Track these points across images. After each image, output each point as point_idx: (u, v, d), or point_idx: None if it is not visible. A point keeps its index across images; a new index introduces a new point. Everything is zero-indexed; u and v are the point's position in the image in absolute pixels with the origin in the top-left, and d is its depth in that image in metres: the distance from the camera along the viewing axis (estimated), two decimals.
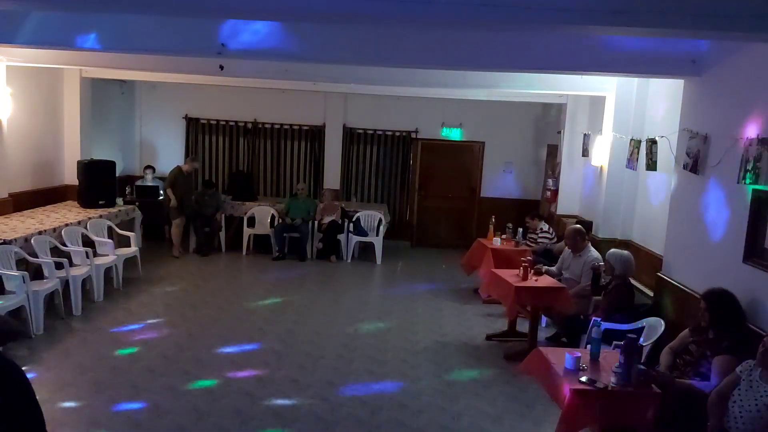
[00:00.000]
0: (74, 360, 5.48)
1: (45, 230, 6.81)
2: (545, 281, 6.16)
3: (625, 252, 5.85)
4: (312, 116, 11.25)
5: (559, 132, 9.71)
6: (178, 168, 9.70)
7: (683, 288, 5.21)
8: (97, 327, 6.34)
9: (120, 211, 8.64)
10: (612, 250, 5.93)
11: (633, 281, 6.48)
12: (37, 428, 2.01)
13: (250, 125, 11.33)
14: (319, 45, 5.59)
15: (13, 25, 5.47)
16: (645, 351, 4.55)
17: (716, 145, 4.88)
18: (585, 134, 8.75)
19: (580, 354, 4.00)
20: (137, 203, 9.42)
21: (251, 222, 10.15)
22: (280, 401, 4.90)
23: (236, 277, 8.84)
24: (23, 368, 2.11)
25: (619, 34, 4.42)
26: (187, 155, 11.34)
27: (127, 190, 10.06)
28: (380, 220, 10.05)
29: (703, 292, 4.24)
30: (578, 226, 6.76)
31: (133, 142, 11.40)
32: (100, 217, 8.01)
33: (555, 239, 8.32)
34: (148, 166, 10.55)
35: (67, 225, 7.22)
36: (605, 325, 4.65)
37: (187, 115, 11.29)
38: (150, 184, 10.29)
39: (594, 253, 6.45)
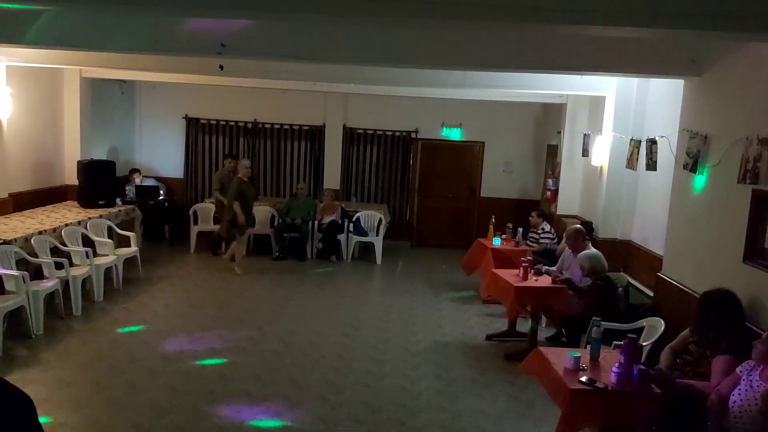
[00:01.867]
0: (74, 360, 5.48)
1: (45, 230, 6.81)
2: (545, 281, 6.16)
3: (594, 250, 5.89)
4: (312, 116, 11.26)
5: (559, 132, 9.72)
6: (239, 178, 8.69)
7: (683, 288, 5.21)
8: (97, 327, 6.34)
9: (120, 211, 8.65)
10: (582, 252, 5.96)
11: (633, 281, 6.50)
12: None
13: (250, 125, 11.33)
14: (319, 45, 5.59)
15: (14, 25, 5.47)
16: (645, 351, 4.55)
17: (716, 145, 4.88)
18: (585, 134, 8.75)
19: (580, 354, 4.00)
20: (137, 203, 9.42)
21: (251, 222, 10.14)
22: (280, 401, 4.89)
23: (236, 277, 8.83)
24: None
25: (619, 34, 4.42)
26: (187, 155, 11.37)
27: (127, 190, 10.07)
28: (380, 220, 10.05)
29: (702, 292, 4.24)
30: (579, 226, 6.76)
31: (133, 142, 11.40)
32: (100, 217, 8.01)
33: (556, 239, 8.32)
34: (135, 170, 10.54)
35: (67, 225, 7.22)
36: (605, 325, 4.65)
37: (187, 115, 11.29)
38: (140, 184, 10.28)
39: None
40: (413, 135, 11.34)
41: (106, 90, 10.30)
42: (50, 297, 6.35)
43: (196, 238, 9.98)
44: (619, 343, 3.98)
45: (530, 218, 8.64)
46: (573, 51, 5.46)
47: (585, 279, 6.05)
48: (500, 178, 11.47)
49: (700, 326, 4.13)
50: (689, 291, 5.06)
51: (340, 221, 9.87)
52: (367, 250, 10.32)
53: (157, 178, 11.08)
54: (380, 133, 11.34)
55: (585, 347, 4.52)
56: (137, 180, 10.34)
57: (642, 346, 4.37)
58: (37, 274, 6.37)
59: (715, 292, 4.15)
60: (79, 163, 8.64)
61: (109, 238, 7.76)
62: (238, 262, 8.84)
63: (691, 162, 5.17)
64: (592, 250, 5.94)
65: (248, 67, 7.32)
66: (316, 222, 9.90)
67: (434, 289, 8.62)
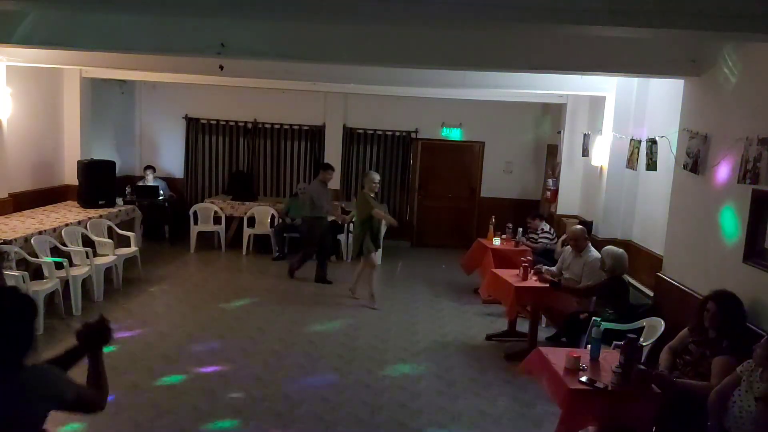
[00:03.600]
0: None
1: (45, 230, 6.81)
2: (545, 281, 6.15)
3: (619, 249, 5.86)
4: (312, 116, 11.25)
5: (559, 132, 9.72)
6: (367, 194, 7.66)
7: (683, 288, 5.21)
8: None
9: (120, 211, 8.64)
10: (607, 247, 5.95)
11: (633, 281, 6.50)
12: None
13: (250, 125, 11.33)
14: (319, 45, 5.59)
15: (13, 24, 5.47)
16: (645, 351, 4.55)
17: (716, 145, 4.88)
18: (585, 134, 8.75)
19: (580, 354, 4.00)
20: (137, 203, 9.42)
21: (251, 222, 10.15)
22: (280, 401, 4.90)
23: (236, 277, 8.84)
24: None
25: (619, 34, 4.42)
26: (187, 155, 11.35)
27: (127, 190, 10.07)
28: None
29: (712, 294, 4.12)
30: (581, 226, 6.75)
31: (133, 142, 11.41)
32: (100, 217, 8.01)
33: (555, 239, 8.32)
34: (149, 167, 10.56)
35: (67, 225, 7.22)
36: (605, 325, 4.65)
37: (187, 115, 11.29)
38: (150, 184, 10.30)
39: (594, 252, 6.43)
40: (413, 135, 11.34)
41: (106, 90, 10.30)
42: (50, 297, 6.35)
43: (196, 238, 9.98)
44: (619, 343, 3.98)
45: (528, 224, 8.64)
46: (573, 51, 5.46)
47: (588, 276, 6.06)
48: (500, 178, 11.47)
49: (701, 326, 4.11)
50: (689, 291, 5.06)
51: (340, 221, 9.86)
52: None
53: (164, 178, 11.04)
54: (380, 133, 11.34)
55: (585, 347, 4.52)
56: (150, 177, 10.35)
57: (642, 346, 4.37)
58: (37, 274, 6.37)
59: (725, 294, 4.08)
60: (79, 163, 8.64)
61: (109, 238, 7.76)
62: (372, 292, 7.65)
63: (691, 162, 5.17)
64: (618, 249, 5.90)
65: (248, 67, 7.32)
66: None
67: (434, 289, 8.62)
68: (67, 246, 6.93)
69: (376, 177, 7.84)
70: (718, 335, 3.98)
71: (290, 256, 9.76)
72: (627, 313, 5.51)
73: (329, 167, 8.61)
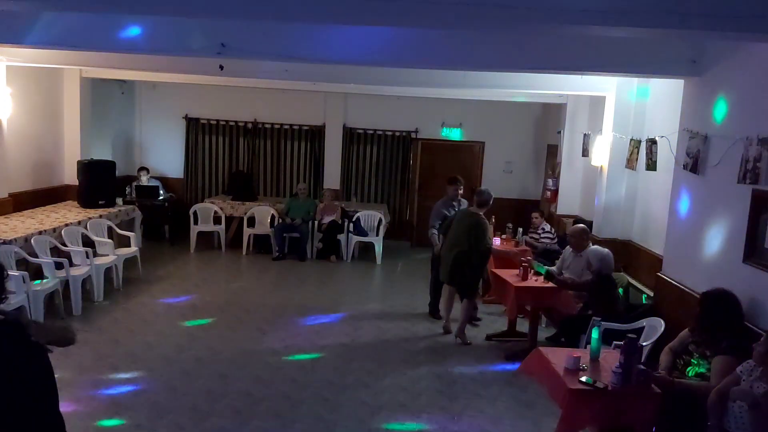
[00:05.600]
0: (74, 360, 5.46)
1: (45, 230, 6.82)
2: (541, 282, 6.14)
3: (605, 249, 5.85)
4: (312, 116, 11.26)
5: (559, 132, 9.72)
6: (480, 216, 6.37)
7: (683, 288, 5.21)
8: (97, 327, 6.34)
9: (120, 211, 8.65)
10: (592, 247, 5.94)
11: (633, 281, 6.51)
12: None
13: (250, 125, 11.33)
14: (319, 45, 5.59)
15: (14, 25, 5.47)
16: (645, 351, 4.55)
17: (716, 145, 4.88)
18: (585, 134, 8.75)
19: (580, 354, 4.00)
20: (137, 203, 9.42)
21: (251, 222, 10.16)
22: (280, 401, 4.90)
23: (236, 278, 8.84)
24: None
25: (619, 34, 4.42)
26: (187, 155, 11.35)
27: (127, 190, 10.07)
28: (380, 220, 10.05)
29: (702, 293, 4.22)
30: (583, 225, 6.75)
31: (133, 142, 11.42)
32: (100, 217, 8.01)
33: (556, 239, 8.32)
34: (143, 168, 10.56)
35: (67, 225, 7.23)
36: (605, 325, 4.65)
37: (187, 115, 11.30)
38: (147, 184, 10.30)
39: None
40: (413, 135, 11.34)
41: (106, 90, 10.31)
42: (50, 297, 6.35)
43: (196, 238, 9.98)
44: (619, 343, 3.98)
45: (534, 219, 8.63)
46: (573, 51, 5.46)
47: (585, 273, 6.05)
48: (500, 178, 11.46)
49: (700, 326, 4.12)
50: (689, 291, 5.06)
51: (340, 221, 9.88)
52: (367, 250, 10.31)
53: (159, 178, 11.06)
54: (380, 133, 11.34)
55: (585, 347, 4.52)
56: (144, 178, 10.35)
57: (642, 346, 4.37)
58: (37, 274, 6.37)
59: (708, 292, 4.13)
60: (79, 163, 8.64)
61: (109, 238, 7.76)
62: (447, 316, 6.74)
63: (691, 162, 5.17)
64: (603, 249, 5.90)
65: (248, 67, 7.32)
66: (316, 222, 9.90)
67: None
68: (67, 246, 6.93)
69: (487, 195, 6.50)
70: (713, 333, 3.97)
71: (290, 256, 9.81)
72: (618, 312, 5.48)
73: (453, 181, 7.24)
